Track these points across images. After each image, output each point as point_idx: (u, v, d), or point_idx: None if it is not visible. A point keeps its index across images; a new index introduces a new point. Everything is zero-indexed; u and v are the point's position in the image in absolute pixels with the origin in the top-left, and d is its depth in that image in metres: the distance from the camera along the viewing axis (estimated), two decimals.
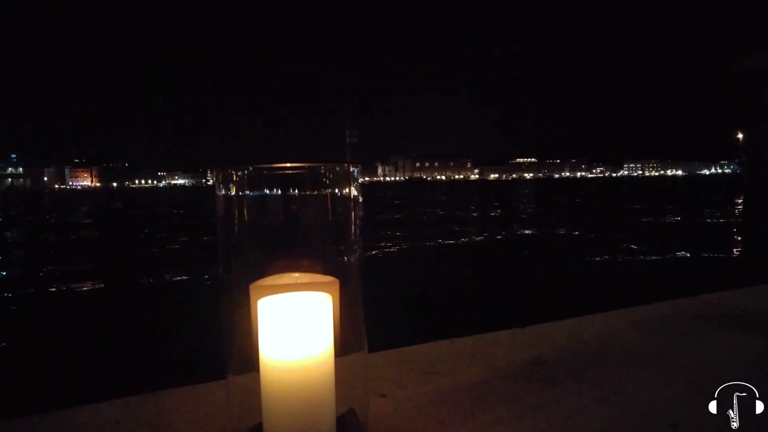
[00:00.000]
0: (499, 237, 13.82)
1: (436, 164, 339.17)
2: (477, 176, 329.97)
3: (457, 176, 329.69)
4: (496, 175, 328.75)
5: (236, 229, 0.82)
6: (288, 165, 0.79)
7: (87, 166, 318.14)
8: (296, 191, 0.81)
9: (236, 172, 0.78)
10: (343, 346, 0.84)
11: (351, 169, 0.80)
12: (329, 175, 0.81)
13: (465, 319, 6.09)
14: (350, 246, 0.86)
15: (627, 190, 52.77)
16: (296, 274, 0.86)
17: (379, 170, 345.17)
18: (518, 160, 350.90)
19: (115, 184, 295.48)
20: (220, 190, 0.81)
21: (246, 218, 0.82)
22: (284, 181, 0.82)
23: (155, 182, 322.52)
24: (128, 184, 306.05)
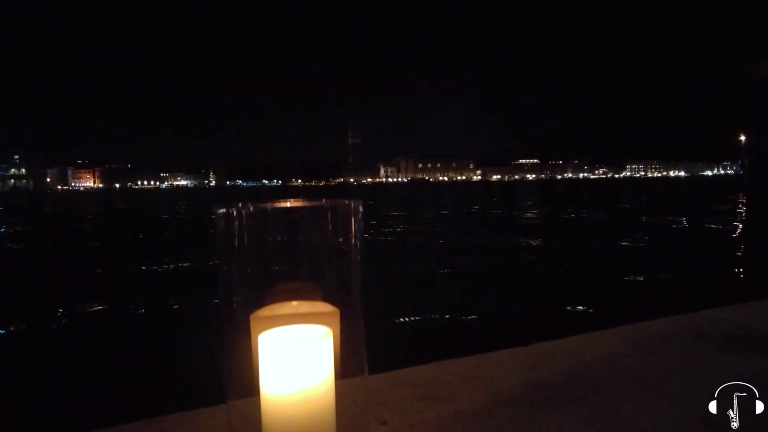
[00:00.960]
0: (500, 245, 13.74)
1: (439, 165, 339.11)
2: (479, 177, 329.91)
3: (459, 177, 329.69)
4: (499, 176, 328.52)
5: (236, 259, 0.82)
6: (290, 205, 0.79)
7: (90, 167, 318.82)
8: (298, 223, 0.82)
9: (238, 210, 0.78)
10: (344, 373, 0.84)
11: (353, 206, 0.80)
12: (331, 213, 0.81)
13: (468, 326, 6.06)
14: (351, 275, 0.86)
15: (629, 194, 52.52)
16: (295, 303, 0.86)
17: (381, 171, 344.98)
18: (521, 161, 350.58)
19: (117, 185, 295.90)
20: (221, 223, 0.81)
21: (246, 249, 0.82)
22: (286, 215, 0.82)
23: (158, 183, 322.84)
24: (131, 185, 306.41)
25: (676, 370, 1.26)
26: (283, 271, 0.84)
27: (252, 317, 0.81)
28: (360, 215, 0.80)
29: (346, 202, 0.81)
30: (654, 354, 1.37)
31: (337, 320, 0.83)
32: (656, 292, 7.64)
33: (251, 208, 0.80)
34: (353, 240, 0.82)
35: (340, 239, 0.82)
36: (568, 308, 6.59)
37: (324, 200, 0.83)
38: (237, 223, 0.79)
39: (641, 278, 8.70)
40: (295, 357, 0.73)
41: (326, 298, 0.86)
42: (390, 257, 11.18)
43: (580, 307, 6.58)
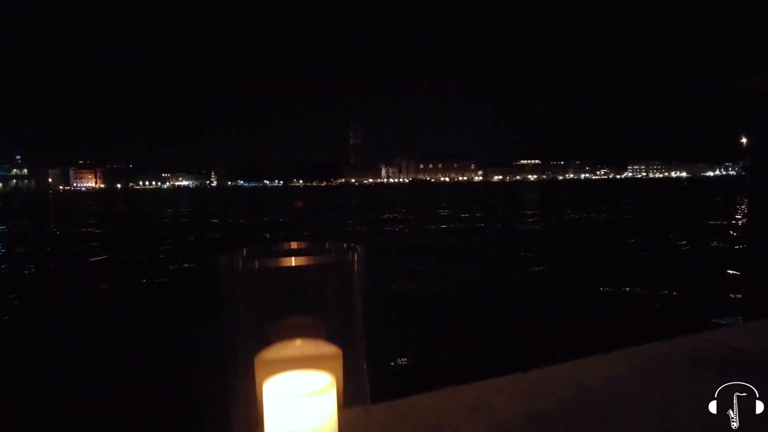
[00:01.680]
0: (500, 255, 13.63)
1: (440, 165, 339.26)
2: (481, 178, 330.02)
3: (461, 178, 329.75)
4: (500, 177, 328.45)
5: (240, 305, 0.83)
6: (294, 251, 0.81)
7: (91, 167, 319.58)
8: (303, 272, 0.83)
9: (241, 256, 0.80)
10: (346, 407, 0.85)
11: (357, 253, 0.82)
12: (335, 256, 0.83)
13: (468, 341, 6.01)
14: (354, 318, 0.87)
15: (631, 197, 52.26)
16: (299, 343, 0.88)
17: (383, 171, 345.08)
18: (522, 161, 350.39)
19: (119, 186, 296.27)
20: (225, 266, 0.82)
21: (250, 294, 0.84)
22: (290, 258, 0.83)
23: (159, 183, 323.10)
24: (132, 186, 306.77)
25: (678, 397, 1.27)
26: (287, 313, 0.86)
27: (256, 361, 0.83)
28: (363, 260, 0.82)
29: (350, 251, 0.82)
30: (655, 380, 1.38)
31: (339, 362, 0.85)
32: (656, 307, 7.52)
33: (255, 255, 0.81)
34: (356, 286, 0.84)
35: (344, 285, 0.83)
36: (569, 321, 6.54)
37: (328, 244, 0.85)
38: (240, 270, 0.80)
39: (640, 291, 8.61)
40: (299, 408, 0.75)
41: (329, 337, 0.88)
42: (388, 270, 11.11)
43: (581, 321, 6.53)
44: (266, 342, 0.86)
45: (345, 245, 0.82)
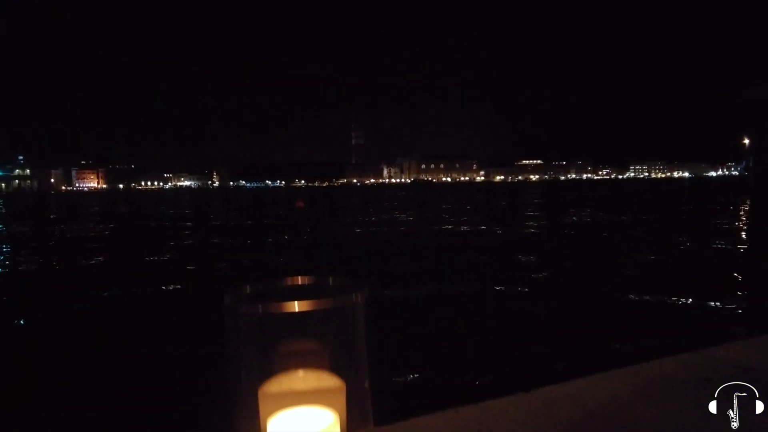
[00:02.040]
0: (501, 264, 13.46)
1: (442, 166, 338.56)
2: (483, 178, 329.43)
3: (462, 178, 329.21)
4: (502, 177, 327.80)
5: (245, 342, 0.83)
6: (298, 289, 0.81)
7: (93, 167, 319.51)
8: (305, 309, 0.83)
9: (245, 298, 0.80)
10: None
11: (359, 294, 0.81)
12: (337, 290, 0.83)
13: (470, 356, 5.89)
14: (357, 353, 0.87)
15: (632, 199, 51.92)
16: (302, 374, 0.87)
17: (385, 172, 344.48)
18: (524, 162, 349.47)
19: (121, 186, 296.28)
20: (230, 304, 0.82)
21: (255, 327, 0.84)
22: (293, 293, 0.83)
23: (161, 184, 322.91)
24: (134, 186, 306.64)
25: (682, 421, 1.26)
26: (291, 350, 0.86)
27: (261, 393, 0.83)
28: (366, 300, 0.82)
29: (354, 292, 0.82)
30: (658, 401, 1.37)
31: (343, 394, 0.85)
32: (659, 312, 7.40)
33: (259, 297, 0.82)
34: (359, 326, 0.84)
35: (347, 326, 0.83)
36: (570, 327, 6.44)
37: (330, 278, 0.85)
38: (244, 314, 0.80)
39: (647, 298, 8.48)
40: None
41: (333, 369, 0.87)
42: (387, 273, 11.00)
43: (582, 328, 6.43)
44: (269, 375, 0.86)
45: (349, 284, 0.82)
